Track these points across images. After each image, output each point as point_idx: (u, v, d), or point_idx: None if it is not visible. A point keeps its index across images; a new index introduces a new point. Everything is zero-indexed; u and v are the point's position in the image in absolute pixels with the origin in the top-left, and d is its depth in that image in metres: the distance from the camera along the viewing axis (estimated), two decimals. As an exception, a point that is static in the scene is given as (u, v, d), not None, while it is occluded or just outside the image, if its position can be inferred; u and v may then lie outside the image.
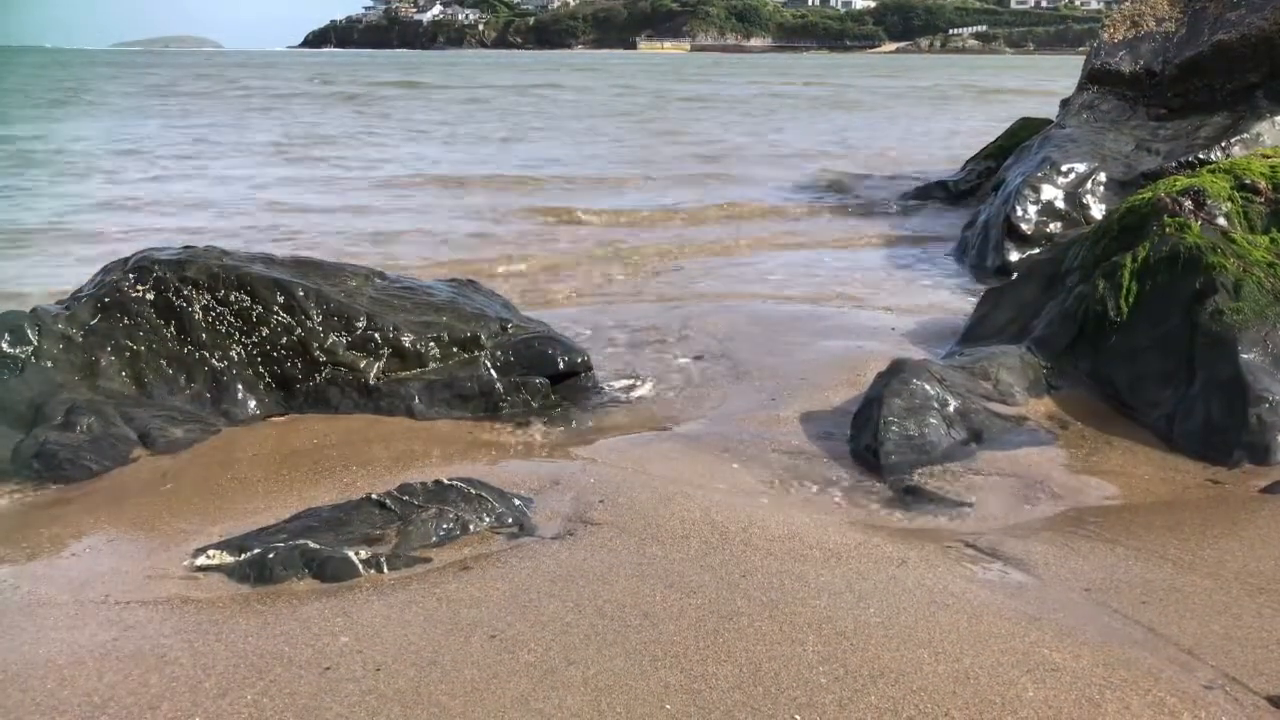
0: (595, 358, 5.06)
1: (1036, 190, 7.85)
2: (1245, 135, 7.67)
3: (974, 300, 5.84)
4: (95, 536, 3.29)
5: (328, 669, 2.43)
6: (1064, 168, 7.97)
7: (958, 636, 2.57)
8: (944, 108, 29.70)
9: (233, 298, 4.51)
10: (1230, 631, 2.66)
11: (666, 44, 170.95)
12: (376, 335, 4.58)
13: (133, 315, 4.45)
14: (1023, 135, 10.12)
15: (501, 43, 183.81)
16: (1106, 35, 9.18)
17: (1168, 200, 4.74)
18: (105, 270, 4.72)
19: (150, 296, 4.49)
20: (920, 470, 3.85)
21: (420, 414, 4.48)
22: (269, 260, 4.85)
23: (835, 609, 2.70)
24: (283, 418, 4.42)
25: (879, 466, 3.86)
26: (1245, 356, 4.01)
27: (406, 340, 4.60)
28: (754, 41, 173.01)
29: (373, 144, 18.27)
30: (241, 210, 10.79)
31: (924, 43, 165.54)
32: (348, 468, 3.87)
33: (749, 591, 2.80)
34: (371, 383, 4.52)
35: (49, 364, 4.27)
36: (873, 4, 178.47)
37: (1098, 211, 7.59)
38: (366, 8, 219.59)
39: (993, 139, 11.24)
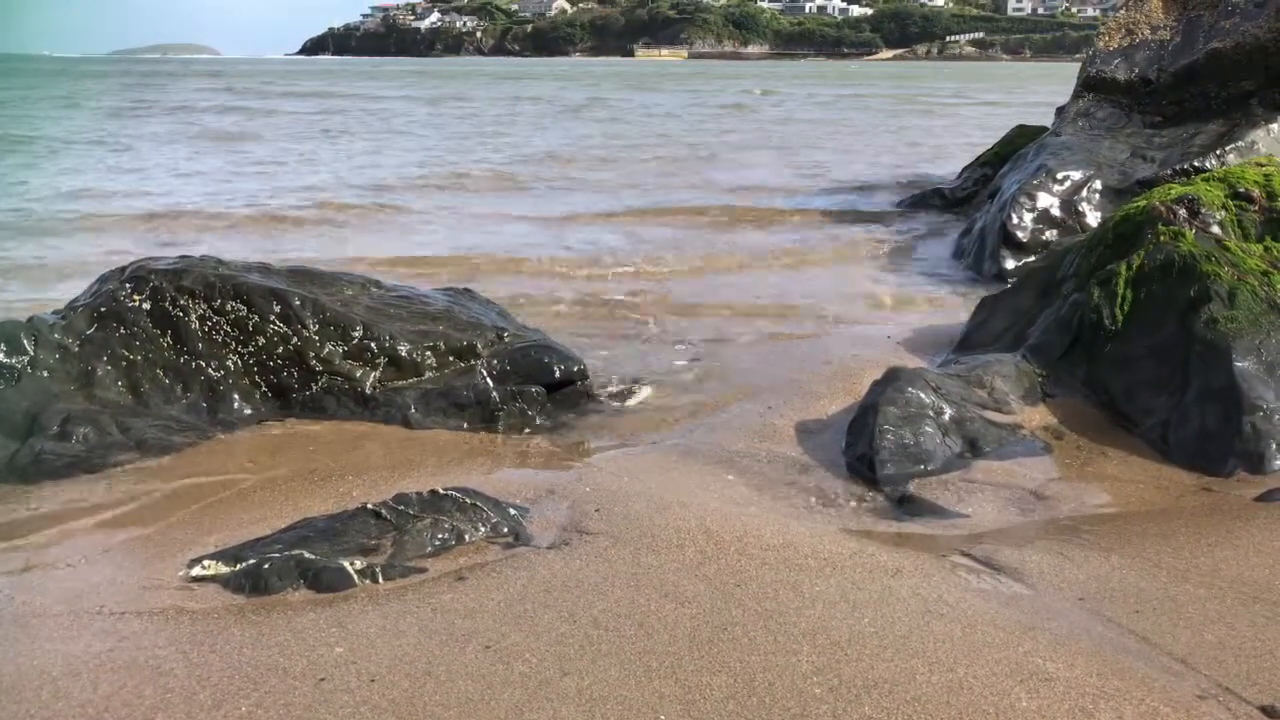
0: (591, 366, 5.07)
1: (1032, 198, 7.87)
2: (1240, 143, 7.69)
3: (970, 308, 5.85)
4: (90, 547, 3.29)
5: (322, 680, 2.44)
6: (1060, 175, 7.99)
7: (952, 646, 2.57)
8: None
9: (229, 307, 4.52)
10: (1224, 641, 2.66)
11: (664, 51, 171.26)
12: (373, 344, 4.59)
13: (129, 325, 4.46)
14: (1019, 143, 10.14)
15: (499, 50, 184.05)
16: (1102, 43, 9.20)
17: (1162, 208, 4.76)
18: (102, 280, 4.73)
19: (146, 306, 4.50)
20: (915, 479, 3.86)
21: (416, 423, 4.48)
22: (265, 270, 4.85)
23: (830, 619, 2.71)
24: (279, 427, 4.42)
25: (874, 475, 3.87)
26: (1239, 365, 4.02)
27: (403, 349, 4.60)
28: (751, 49, 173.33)
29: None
30: None
31: (921, 50, 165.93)
32: (343, 478, 3.87)
33: (744, 601, 2.80)
34: (368, 392, 4.53)
35: (45, 373, 4.28)
36: (870, 11, 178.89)
37: (1093, 219, 7.61)
38: (364, 15, 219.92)
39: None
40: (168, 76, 61.80)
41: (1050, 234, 7.73)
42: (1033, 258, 7.39)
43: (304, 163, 16.12)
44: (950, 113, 30.57)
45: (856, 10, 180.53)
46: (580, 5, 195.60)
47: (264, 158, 16.76)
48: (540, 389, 4.70)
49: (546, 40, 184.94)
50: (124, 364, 4.41)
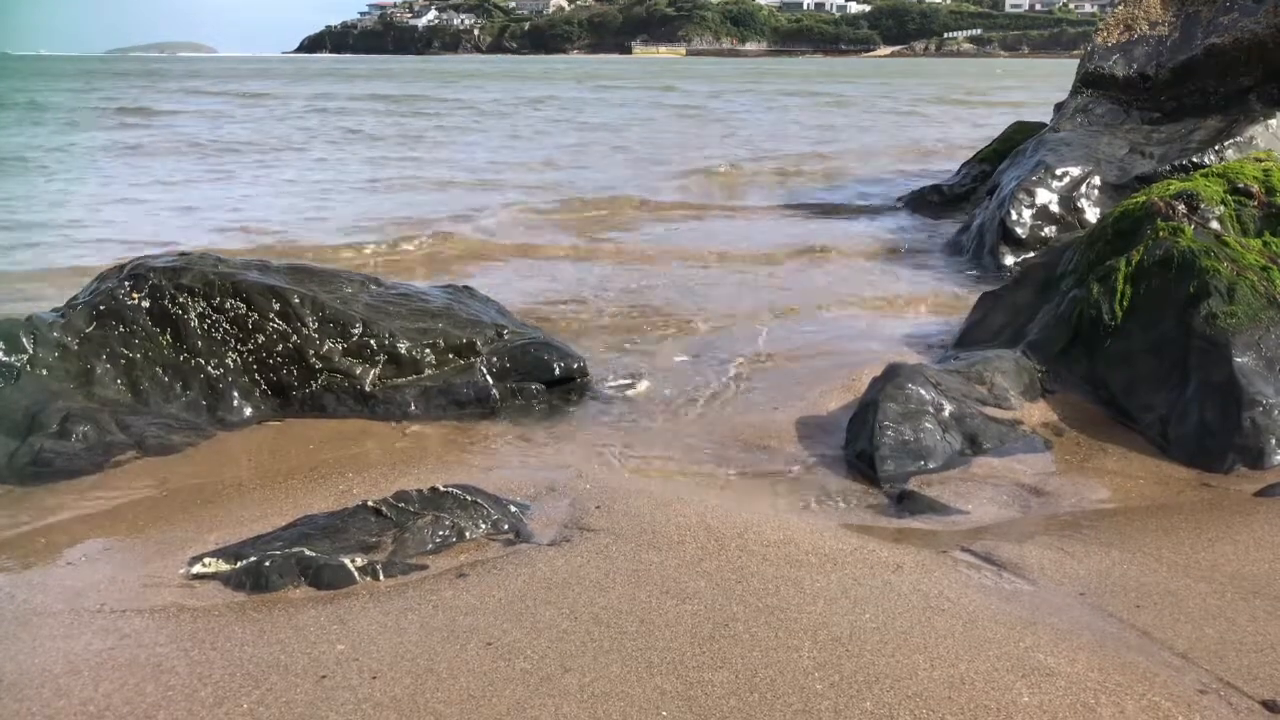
0: (590, 360, 5.07)
1: (1031, 194, 7.87)
2: (1239, 139, 7.69)
3: (969, 304, 5.86)
4: (91, 545, 3.29)
5: (324, 677, 2.43)
6: (1058, 171, 7.99)
7: (953, 641, 2.57)
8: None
9: (228, 305, 4.51)
10: (1225, 635, 2.67)
11: (661, 48, 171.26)
12: (372, 342, 4.58)
13: (128, 323, 4.45)
14: (1017, 139, 10.14)
15: (497, 48, 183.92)
16: (1100, 39, 9.20)
17: (1161, 204, 4.76)
18: (100, 278, 4.73)
19: (146, 304, 4.49)
20: (915, 475, 3.86)
21: (416, 420, 4.48)
22: (264, 267, 4.85)
23: (831, 614, 2.71)
24: (278, 425, 4.42)
25: (875, 472, 3.87)
26: (1239, 360, 4.02)
27: (402, 347, 4.60)
28: (749, 46, 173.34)
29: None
30: None
31: (919, 46, 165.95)
32: (344, 475, 3.87)
33: (745, 597, 2.81)
34: (367, 389, 4.53)
35: (44, 372, 4.27)
36: (868, 8, 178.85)
37: (1092, 215, 7.61)
38: (361, 13, 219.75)
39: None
40: (138, 76, 58.58)
41: (1049, 230, 7.74)
42: (1032, 254, 7.40)
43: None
44: (945, 110, 30.57)
45: (854, 7, 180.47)
46: (578, 3, 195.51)
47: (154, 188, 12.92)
48: (540, 386, 4.70)
49: (544, 38, 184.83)
50: (123, 362, 4.41)
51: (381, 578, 2.97)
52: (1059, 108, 9.69)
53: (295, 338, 4.51)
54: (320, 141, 19.86)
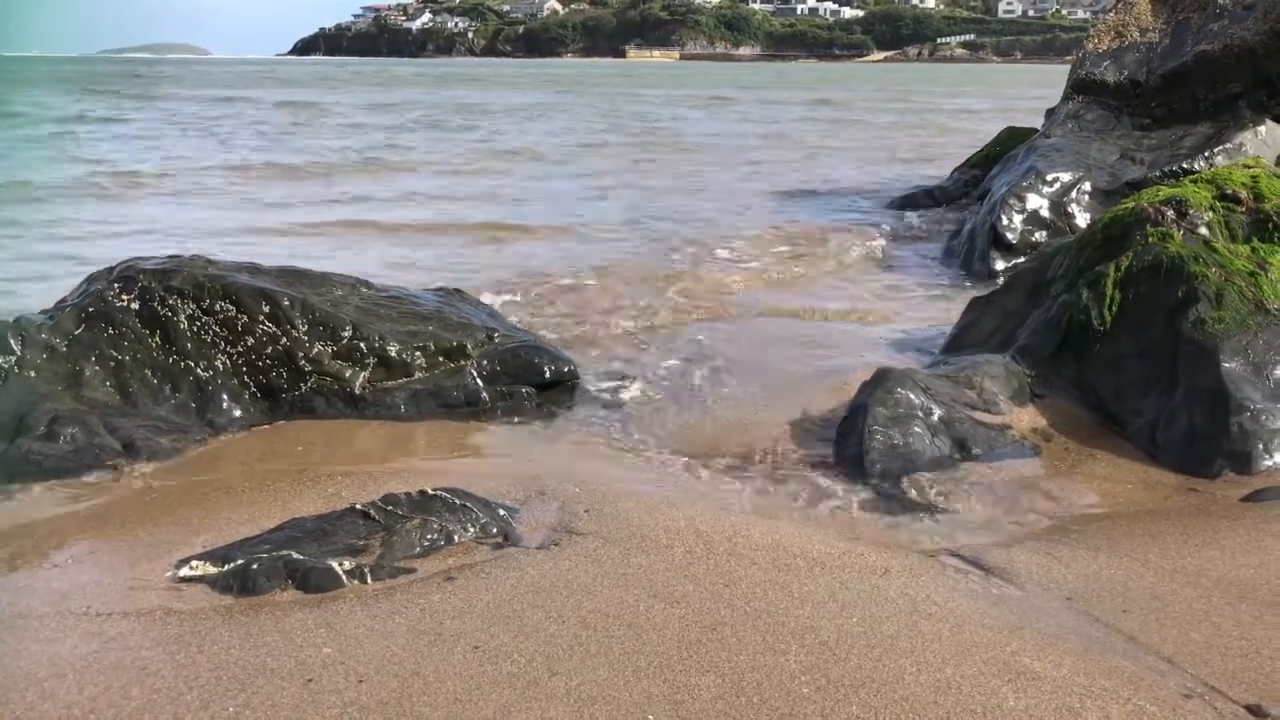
0: (581, 364, 5.07)
1: (1022, 199, 7.90)
2: (1228, 145, 7.73)
3: (959, 308, 5.87)
4: (77, 547, 3.28)
5: (310, 681, 2.43)
6: (1049, 177, 8.02)
7: (940, 646, 2.58)
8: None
9: (218, 307, 4.51)
10: (1210, 640, 2.68)
11: (656, 52, 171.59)
12: (362, 345, 4.58)
13: (117, 325, 4.44)
14: (1009, 144, 10.18)
15: (491, 51, 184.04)
16: (1091, 45, 9.24)
17: (1150, 210, 4.78)
18: (90, 279, 4.71)
19: (135, 306, 4.48)
20: (904, 479, 3.86)
21: (406, 423, 4.47)
22: (255, 270, 4.84)
23: (818, 618, 2.71)
24: (268, 427, 4.42)
25: (864, 475, 3.87)
26: (1227, 365, 4.04)
27: (392, 350, 4.60)
28: (743, 50, 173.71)
29: None
30: None
31: (912, 51, 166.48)
32: (332, 478, 3.86)
33: (733, 601, 2.81)
34: (357, 392, 4.52)
35: (32, 374, 4.26)
36: (861, 13, 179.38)
37: (1083, 221, 7.63)
38: (356, 15, 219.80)
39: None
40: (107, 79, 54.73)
41: (1039, 235, 7.76)
42: (1022, 259, 7.40)
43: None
44: (937, 114, 30.64)
45: (848, 12, 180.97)
46: (572, 6, 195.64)
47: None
48: (530, 389, 4.70)
49: (538, 41, 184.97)
50: (112, 364, 4.39)
51: (369, 581, 2.97)
52: (1050, 113, 9.72)
53: (285, 340, 4.50)
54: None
